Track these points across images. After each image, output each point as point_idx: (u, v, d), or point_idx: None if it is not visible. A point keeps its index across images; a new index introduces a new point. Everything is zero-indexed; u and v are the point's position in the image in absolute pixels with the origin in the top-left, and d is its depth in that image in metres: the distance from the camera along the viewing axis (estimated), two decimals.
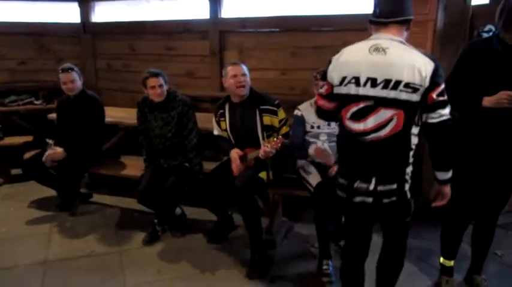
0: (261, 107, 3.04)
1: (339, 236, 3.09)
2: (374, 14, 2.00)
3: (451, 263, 2.63)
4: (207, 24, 5.13)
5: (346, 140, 2.05)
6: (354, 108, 1.95)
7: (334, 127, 2.99)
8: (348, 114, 1.98)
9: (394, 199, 1.97)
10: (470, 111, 2.32)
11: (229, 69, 3.06)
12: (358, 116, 1.94)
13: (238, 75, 3.01)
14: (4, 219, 3.69)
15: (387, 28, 1.95)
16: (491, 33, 2.82)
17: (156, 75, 3.22)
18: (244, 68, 3.07)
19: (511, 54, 2.18)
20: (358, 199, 2.01)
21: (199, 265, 2.98)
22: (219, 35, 5.09)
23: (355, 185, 1.99)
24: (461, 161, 2.40)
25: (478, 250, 2.63)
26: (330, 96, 2.07)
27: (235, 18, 5.03)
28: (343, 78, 2.00)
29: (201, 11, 5.19)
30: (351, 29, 4.40)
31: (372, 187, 1.96)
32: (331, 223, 2.91)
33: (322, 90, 2.12)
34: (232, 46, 5.12)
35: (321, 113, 2.20)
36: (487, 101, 2.19)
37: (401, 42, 1.92)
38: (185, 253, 3.14)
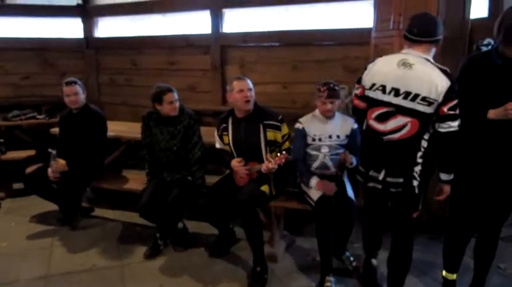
0: (265, 122, 3.05)
1: (341, 249, 3.07)
2: (411, 32, 2.33)
3: (454, 276, 2.61)
4: (209, 39, 5.19)
5: (368, 135, 2.50)
6: (378, 111, 2.38)
7: (335, 140, 3.01)
8: (373, 115, 2.41)
9: (400, 190, 2.38)
10: (475, 124, 2.32)
11: (235, 84, 3.06)
12: (381, 119, 2.37)
13: (245, 90, 3.03)
14: (5, 233, 3.69)
15: (420, 46, 2.31)
16: (490, 47, 2.84)
17: (172, 90, 3.25)
18: (250, 83, 3.08)
19: (511, 67, 2.20)
20: (371, 184, 2.52)
21: (201, 279, 2.97)
22: (220, 49, 5.15)
23: (370, 173, 2.49)
24: (464, 173, 2.41)
25: (480, 263, 2.61)
26: (363, 97, 2.48)
27: (237, 33, 5.09)
28: (373, 85, 2.40)
29: (202, 26, 5.26)
30: (352, 43, 4.46)
31: (381, 177, 2.41)
32: (332, 236, 2.89)
33: (357, 92, 2.53)
34: (234, 60, 5.17)
35: (355, 111, 2.63)
36: (493, 114, 2.20)
37: (427, 60, 2.26)
38: (187, 267, 3.12)
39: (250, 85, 3.07)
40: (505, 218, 2.49)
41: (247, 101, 3.03)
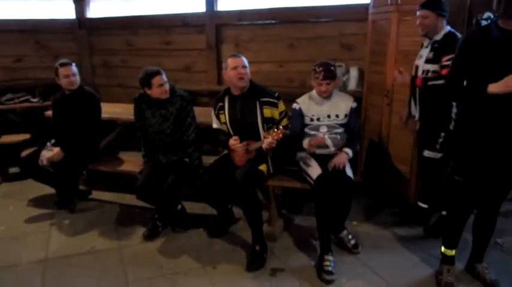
0: (262, 99, 3.02)
1: (339, 228, 3.08)
2: None
3: (453, 252, 2.61)
4: (204, 17, 5.12)
5: None
6: None
7: (334, 119, 2.99)
8: None
9: None
10: (475, 99, 2.30)
11: (230, 62, 3.02)
12: None
13: (239, 67, 2.99)
14: (3, 217, 3.67)
15: None
16: (489, 21, 2.80)
17: (160, 72, 3.18)
18: (245, 60, 3.04)
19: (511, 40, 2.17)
20: None
21: (200, 259, 2.97)
22: (215, 28, 5.09)
23: None
24: (464, 150, 2.39)
25: (479, 238, 2.62)
26: None
27: (231, 11, 5.02)
28: None
29: (197, 4, 5.17)
30: (348, 19, 4.40)
31: None
32: (331, 215, 2.89)
33: None
34: (229, 39, 5.11)
35: None
36: (494, 87, 2.16)
37: None
38: (186, 248, 3.13)
39: (245, 62, 3.03)
40: (506, 194, 2.49)
41: (241, 78, 2.99)
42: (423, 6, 2.97)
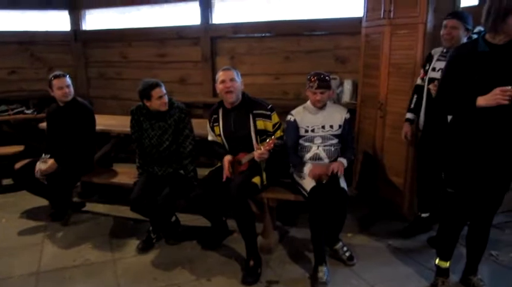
0: (254, 111, 3.04)
1: (334, 239, 3.07)
2: None
3: (447, 264, 2.62)
4: (199, 30, 5.15)
5: None
6: None
7: (328, 130, 3.01)
8: None
9: None
10: (464, 113, 2.32)
11: (219, 75, 3.07)
12: None
13: (227, 81, 3.01)
14: None
15: None
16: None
17: (159, 85, 3.18)
18: (234, 73, 3.05)
19: (499, 54, 2.20)
20: None
21: (194, 271, 2.95)
22: (210, 41, 5.11)
23: None
24: (456, 162, 2.41)
25: (473, 250, 2.63)
26: None
27: (227, 24, 5.06)
28: None
29: (192, 17, 5.21)
30: (343, 32, 4.45)
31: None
32: (325, 226, 2.89)
33: None
34: (224, 52, 5.14)
35: None
36: (482, 100, 2.19)
37: None
38: (180, 260, 3.11)
39: (234, 75, 3.04)
40: (497, 207, 2.50)
41: (228, 92, 3.01)
42: (454, 16, 2.94)
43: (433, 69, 3.05)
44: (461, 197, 2.43)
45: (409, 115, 3.23)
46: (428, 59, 3.13)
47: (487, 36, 2.24)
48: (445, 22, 2.96)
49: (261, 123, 3.03)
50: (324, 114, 3.03)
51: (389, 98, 3.60)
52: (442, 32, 2.98)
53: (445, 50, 3.03)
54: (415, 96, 3.20)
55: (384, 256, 3.13)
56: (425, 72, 3.11)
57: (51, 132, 3.78)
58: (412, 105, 3.22)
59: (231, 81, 3.01)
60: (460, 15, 2.96)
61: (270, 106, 3.09)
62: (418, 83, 3.19)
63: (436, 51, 3.10)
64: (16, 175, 3.72)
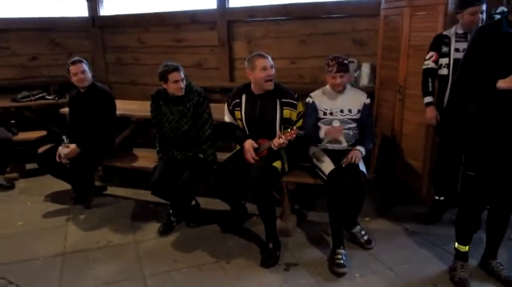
0: (283, 99, 3.04)
1: (352, 223, 3.09)
2: None
3: (466, 248, 2.61)
4: (215, 14, 5.13)
5: None
6: None
7: (347, 114, 3.01)
8: None
9: None
10: (486, 95, 2.29)
11: (258, 62, 3.00)
12: None
13: (268, 68, 2.99)
14: (21, 213, 3.75)
15: None
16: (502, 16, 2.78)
17: (177, 69, 3.19)
18: (271, 60, 3.04)
19: None
20: None
21: (214, 254, 3.01)
22: (227, 25, 5.09)
23: None
24: (476, 145, 2.39)
25: (493, 235, 2.62)
26: None
27: (243, 7, 5.03)
28: None
29: (208, 1, 5.18)
30: (360, 15, 4.39)
31: None
32: (344, 210, 2.90)
33: None
34: (241, 36, 5.12)
35: None
36: (503, 83, 2.16)
37: None
38: (200, 243, 3.17)
39: (272, 62, 3.03)
40: None
41: (269, 80, 3.01)
42: (482, 2, 2.94)
43: (456, 50, 3.00)
44: (482, 181, 2.41)
45: (429, 99, 3.18)
46: (441, 41, 3.08)
47: (510, 17, 2.20)
48: (473, 8, 2.91)
49: (287, 113, 3.03)
50: (344, 98, 3.02)
51: (408, 81, 3.56)
52: (468, 19, 2.93)
53: (461, 31, 2.99)
54: (430, 79, 3.16)
55: (401, 239, 3.14)
56: (441, 55, 3.07)
57: (73, 117, 3.85)
58: (430, 89, 3.18)
59: (271, 68, 3.01)
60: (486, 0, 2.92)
61: (296, 95, 3.09)
62: (431, 67, 3.14)
63: (451, 33, 3.05)
64: (40, 159, 3.81)
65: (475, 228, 2.64)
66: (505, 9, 2.87)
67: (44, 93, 5.33)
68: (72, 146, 3.58)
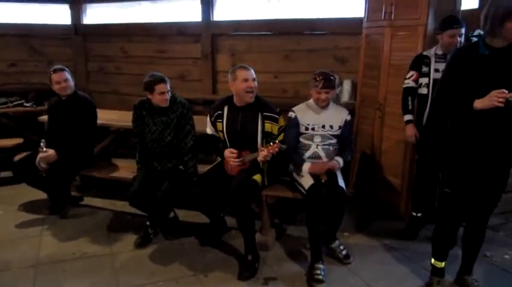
0: (264, 113, 3.05)
1: (331, 238, 3.10)
2: None
3: (442, 264, 2.65)
4: (200, 27, 5.16)
5: None
6: None
7: (328, 130, 3.04)
8: None
9: None
10: (462, 115, 2.35)
11: (240, 73, 3.02)
12: None
13: (250, 80, 3.01)
14: None
15: None
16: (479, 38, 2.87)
17: (164, 80, 3.17)
18: (253, 73, 3.06)
19: (499, 57, 2.23)
20: None
21: (192, 267, 2.97)
22: (211, 38, 5.11)
23: None
24: (452, 163, 2.44)
25: (468, 251, 2.66)
26: None
27: (228, 21, 5.07)
28: None
29: (193, 14, 5.21)
30: (343, 33, 4.47)
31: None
32: (323, 225, 2.91)
33: None
34: (225, 49, 5.15)
35: None
36: (479, 103, 2.22)
37: None
38: (178, 256, 3.13)
39: (254, 75, 3.05)
40: (493, 208, 2.53)
41: (250, 92, 3.02)
42: (462, 25, 3.04)
43: (436, 70, 3.08)
44: (458, 198, 2.45)
45: (409, 117, 3.24)
46: (421, 61, 3.16)
47: (487, 39, 2.27)
48: (452, 31, 3.01)
49: (268, 126, 3.04)
50: (326, 114, 3.06)
51: (388, 99, 3.63)
52: (448, 40, 3.03)
53: (440, 52, 3.08)
54: (410, 98, 3.23)
55: (379, 255, 3.16)
56: (421, 75, 3.14)
57: (52, 125, 3.79)
58: (410, 107, 3.24)
59: (253, 81, 3.02)
60: (463, 22, 3.04)
61: (278, 109, 3.11)
62: (411, 85, 3.21)
63: (431, 53, 3.13)
64: (15, 167, 3.72)
65: (451, 244, 2.68)
66: (482, 32, 2.96)
67: (23, 101, 5.24)
68: (50, 150, 3.51)
